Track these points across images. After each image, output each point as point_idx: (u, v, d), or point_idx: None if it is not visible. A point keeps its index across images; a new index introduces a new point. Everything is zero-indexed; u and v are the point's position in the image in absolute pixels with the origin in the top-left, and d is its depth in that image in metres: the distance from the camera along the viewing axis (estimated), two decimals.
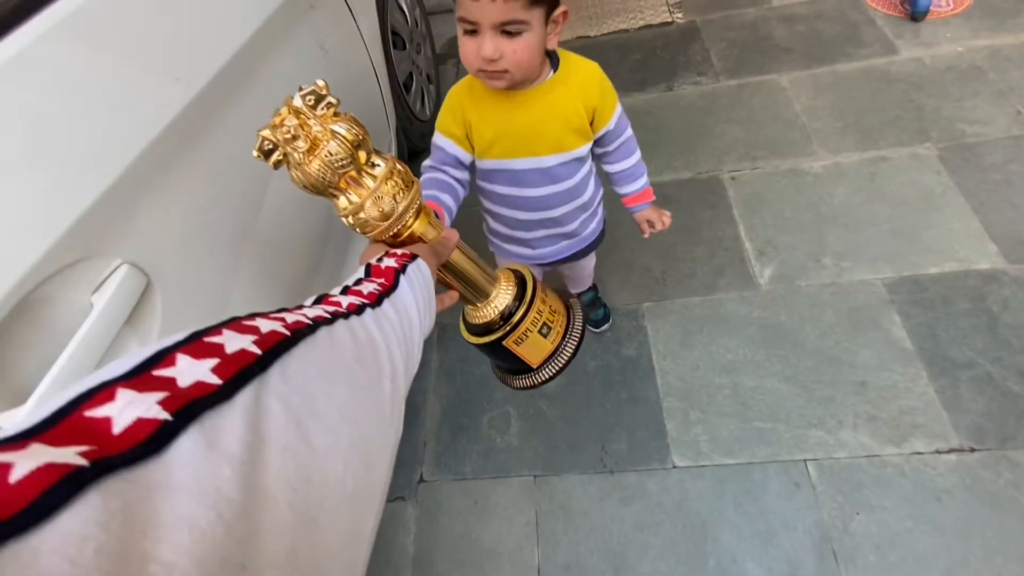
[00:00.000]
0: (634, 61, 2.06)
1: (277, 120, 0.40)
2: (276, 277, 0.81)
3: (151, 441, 0.18)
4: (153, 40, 0.65)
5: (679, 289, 1.42)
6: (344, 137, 0.41)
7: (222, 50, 0.74)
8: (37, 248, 0.46)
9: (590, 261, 1.21)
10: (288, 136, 0.39)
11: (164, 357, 0.21)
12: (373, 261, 0.43)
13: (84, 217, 0.50)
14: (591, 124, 0.83)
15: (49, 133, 0.51)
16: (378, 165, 0.45)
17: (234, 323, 0.25)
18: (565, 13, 0.72)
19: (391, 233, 0.47)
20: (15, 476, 0.15)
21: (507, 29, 0.66)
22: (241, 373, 0.22)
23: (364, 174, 0.44)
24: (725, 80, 1.90)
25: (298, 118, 0.40)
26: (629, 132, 0.91)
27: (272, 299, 0.79)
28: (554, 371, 0.67)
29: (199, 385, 0.21)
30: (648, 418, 1.23)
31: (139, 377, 0.20)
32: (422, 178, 0.85)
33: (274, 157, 0.40)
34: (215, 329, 0.24)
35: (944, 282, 1.30)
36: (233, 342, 0.23)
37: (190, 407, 0.20)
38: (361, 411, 0.28)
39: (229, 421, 0.20)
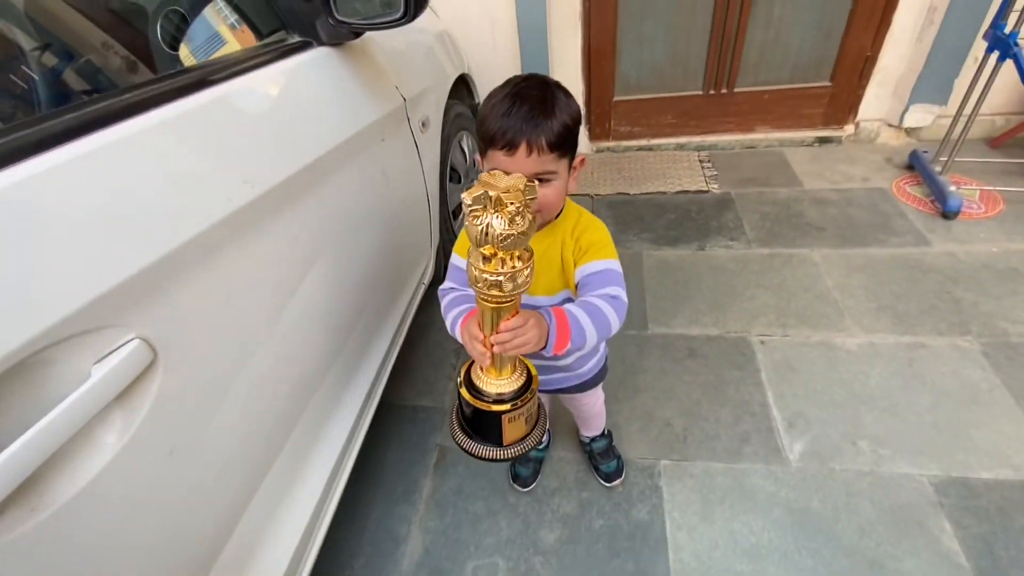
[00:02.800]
0: (669, 219, 2.19)
1: (509, 199, 0.56)
2: (283, 374, 0.80)
3: None
4: (235, 146, 0.74)
5: (701, 451, 1.32)
6: (532, 221, 0.58)
7: (293, 163, 0.82)
8: (59, 311, 0.47)
9: (594, 399, 1.16)
10: (512, 210, 0.56)
11: None
12: None
13: (116, 289, 0.52)
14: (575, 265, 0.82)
15: (113, 203, 0.55)
16: (528, 252, 0.62)
17: None
18: (583, 160, 0.80)
19: (502, 300, 0.63)
20: None
21: (539, 178, 0.72)
22: None
23: (518, 256, 0.61)
24: (757, 248, 1.97)
25: (525, 205, 0.57)
26: (616, 287, 0.79)
27: (272, 396, 0.78)
28: (516, 454, 0.78)
29: None
30: None
31: None
32: (448, 297, 0.87)
33: (476, 208, 0.56)
34: None
35: (1000, 491, 1.16)
36: None
37: None
38: None
39: None
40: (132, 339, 0.54)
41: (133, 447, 0.55)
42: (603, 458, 1.28)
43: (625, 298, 0.79)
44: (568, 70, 2.52)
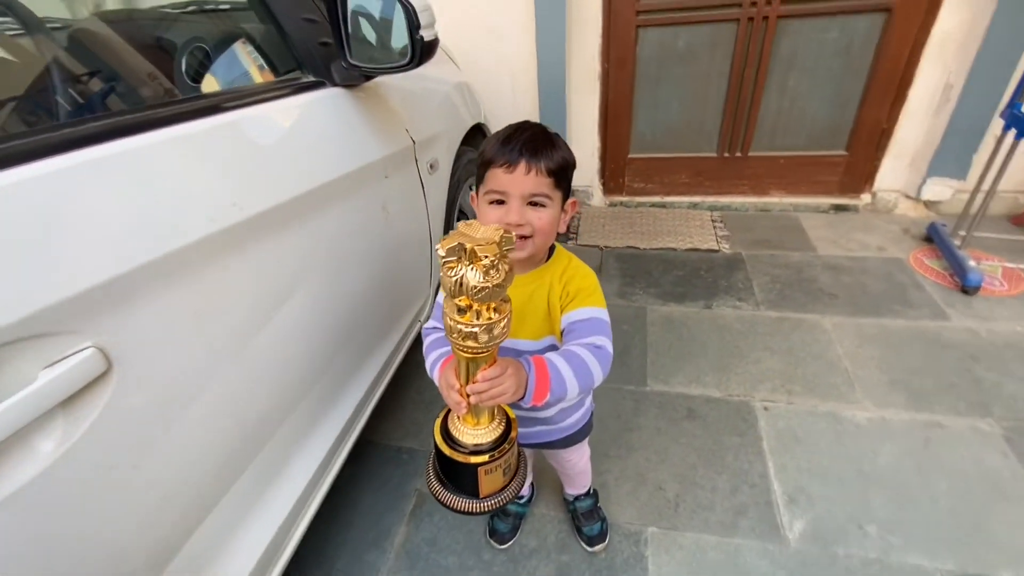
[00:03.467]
0: (677, 276, 2.17)
1: (484, 252, 0.54)
2: (249, 401, 0.78)
3: None
4: (230, 170, 0.76)
5: (693, 521, 1.23)
6: (509, 271, 0.57)
7: (287, 191, 0.85)
8: (12, 314, 0.47)
9: (579, 456, 1.11)
10: (487, 263, 0.55)
11: None
12: None
13: (77, 296, 0.53)
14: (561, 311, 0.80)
15: (91, 212, 0.56)
16: (505, 304, 0.62)
17: None
18: (574, 203, 0.82)
19: (478, 351, 0.62)
20: None
21: (534, 200, 0.74)
22: None
23: (495, 307, 0.60)
24: (765, 310, 1.92)
25: (500, 257, 0.56)
26: (601, 336, 0.76)
27: (234, 422, 0.76)
28: (493, 507, 0.74)
29: None
30: None
31: None
32: (431, 337, 0.85)
33: (450, 260, 0.55)
34: None
35: None
36: None
37: None
38: None
39: None
40: (87, 347, 0.54)
41: (72, 458, 0.53)
42: (587, 519, 1.21)
43: (610, 349, 0.76)
44: (585, 126, 2.59)
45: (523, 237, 0.75)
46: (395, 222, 1.24)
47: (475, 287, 0.55)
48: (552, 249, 0.84)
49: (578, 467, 1.14)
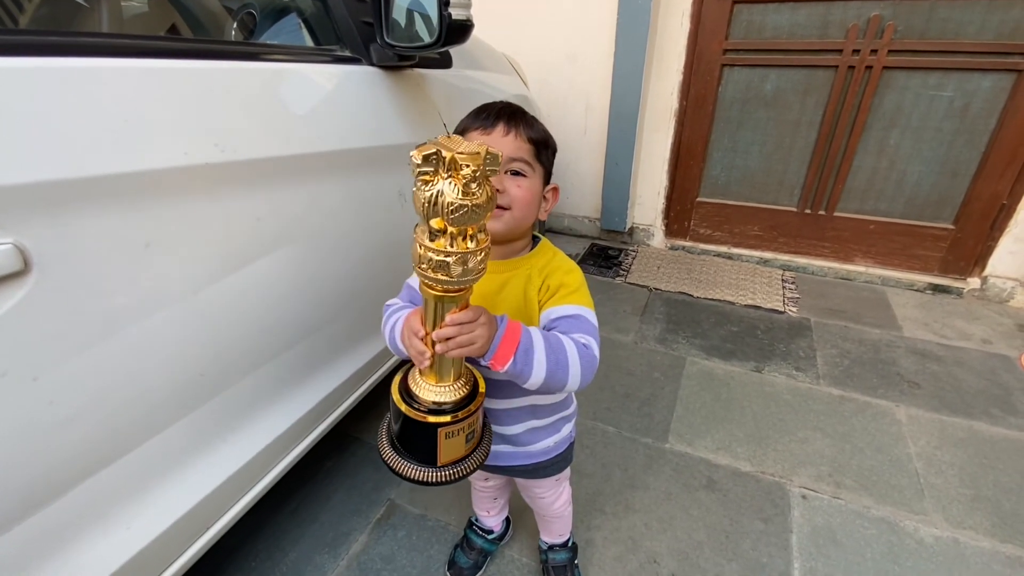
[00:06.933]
0: (729, 331, 1.95)
1: (465, 160, 0.47)
2: (184, 356, 0.74)
3: None
4: (225, 112, 0.75)
5: None
6: (490, 197, 0.51)
7: (284, 147, 0.83)
8: None
9: (554, 495, 0.96)
10: (468, 174, 0.47)
11: None
12: None
13: (5, 189, 0.51)
14: (540, 306, 0.71)
15: (60, 112, 0.57)
16: (483, 235, 0.53)
17: None
18: (555, 190, 0.75)
19: (448, 288, 0.54)
20: None
21: (513, 168, 0.67)
22: None
23: (472, 236, 0.52)
24: (826, 386, 1.66)
25: (479, 167, 0.48)
26: (590, 337, 0.67)
27: (162, 374, 0.71)
28: (452, 477, 0.65)
29: None
30: None
31: None
32: (391, 310, 0.78)
33: (426, 171, 0.48)
34: None
35: None
36: None
37: None
38: None
39: None
40: (4, 243, 0.52)
41: None
42: (558, 574, 1.05)
43: (597, 353, 0.66)
44: (654, 162, 2.48)
45: (499, 207, 0.67)
46: (412, 211, 1.20)
47: (452, 205, 0.48)
48: (537, 241, 0.76)
49: (553, 509, 0.99)
